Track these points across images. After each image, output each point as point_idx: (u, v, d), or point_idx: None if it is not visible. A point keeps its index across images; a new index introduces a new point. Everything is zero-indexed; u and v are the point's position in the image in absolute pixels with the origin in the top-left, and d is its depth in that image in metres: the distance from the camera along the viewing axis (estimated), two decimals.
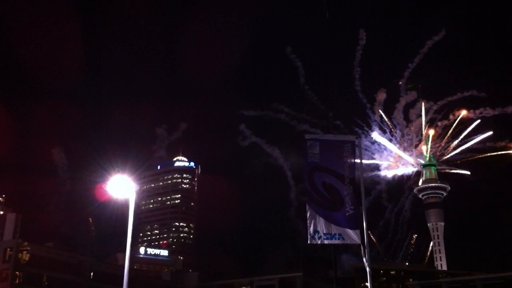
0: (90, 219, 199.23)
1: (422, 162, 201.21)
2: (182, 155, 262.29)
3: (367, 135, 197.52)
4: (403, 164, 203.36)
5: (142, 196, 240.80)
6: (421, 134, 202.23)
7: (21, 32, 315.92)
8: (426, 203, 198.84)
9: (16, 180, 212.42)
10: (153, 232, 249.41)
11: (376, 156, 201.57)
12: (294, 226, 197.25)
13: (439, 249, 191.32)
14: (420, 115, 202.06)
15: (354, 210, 19.77)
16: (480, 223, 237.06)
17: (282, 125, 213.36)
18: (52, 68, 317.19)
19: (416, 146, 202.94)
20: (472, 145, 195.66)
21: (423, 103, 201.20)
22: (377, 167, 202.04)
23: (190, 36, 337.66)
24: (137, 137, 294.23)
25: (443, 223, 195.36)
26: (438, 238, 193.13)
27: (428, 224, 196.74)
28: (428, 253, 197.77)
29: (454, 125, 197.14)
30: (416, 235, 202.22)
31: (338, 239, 19.61)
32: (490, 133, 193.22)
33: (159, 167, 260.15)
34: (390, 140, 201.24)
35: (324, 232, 19.65)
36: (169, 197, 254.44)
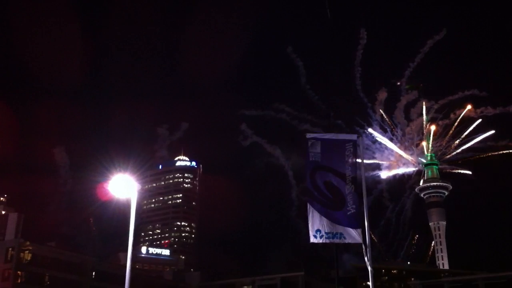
0: (91, 219, 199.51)
1: (424, 161, 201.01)
2: (184, 155, 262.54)
3: (368, 134, 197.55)
4: (404, 164, 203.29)
5: (144, 196, 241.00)
6: (422, 134, 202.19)
7: (22, 32, 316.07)
8: (427, 202, 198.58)
9: (17, 179, 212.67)
10: (155, 232, 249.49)
11: (377, 155, 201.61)
12: (295, 226, 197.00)
13: (441, 248, 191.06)
14: (421, 114, 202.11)
15: (355, 209, 19.73)
16: (482, 222, 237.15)
17: (283, 125, 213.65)
18: (53, 68, 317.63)
19: (417, 145, 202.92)
20: (473, 144, 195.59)
21: (424, 103, 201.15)
22: (378, 167, 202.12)
23: (191, 36, 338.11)
24: (139, 136, 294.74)
25: (444, 222, 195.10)
26: (439, 237, 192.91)
27: (430, 223, 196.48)
28: (430, 253, 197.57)
29: (456, 122, 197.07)
30: (417, 236, 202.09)
31: (340, 238, 19.57)
32: (492, 132, 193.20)
33: (160, 166, 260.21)
34: (391, 140, 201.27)
35: (326, 231, 19.63)
36: (170, 197, 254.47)
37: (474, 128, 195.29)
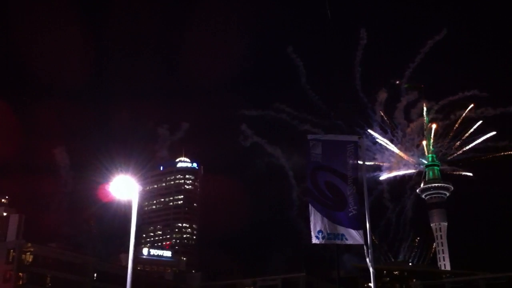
0: (92, 220, 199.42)
1: (425, 162, 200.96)
2: (185, 156, 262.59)
3: (369, 135, 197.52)
4: (404, 165, 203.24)
5: (145, 197, 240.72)
6: (423, 134, 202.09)
7: (23, 32, 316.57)
8: (429, 203, 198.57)
9: (18, 180, 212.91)
10: (156, 233, 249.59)
11: (377, 156, 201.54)
12: (296, 226, 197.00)
13: (442, 249, 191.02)
14: (421, 115, 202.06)
15: (357, 210, 19.72)
16: (483, 223, 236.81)
17: (284, 125, 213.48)
18: (54, 68, 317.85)
19: (418, 146, 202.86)
20: (474, 145, 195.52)
21: (424, 104, 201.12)
22: (379, 168, 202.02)
23: (192, 36, 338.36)
24: (140, 137, 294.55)
25: (446, 223, 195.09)
26: (441, 238, 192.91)
27: (431, 224, 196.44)
28: (431, 253, 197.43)
29: (457, 123, 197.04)
30: (418, 238, 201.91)
31: (342, 239, 19.56)
32: (494, 133, 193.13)
33: (162, 167, 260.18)
34: (392, 140, 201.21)
35: (328, 232, 19.62)
36: (172, 198, 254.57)
37: (474, 129, 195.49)
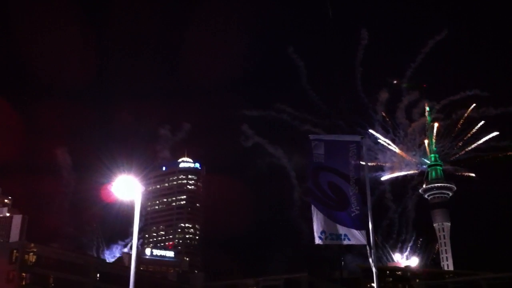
0: (94, 220, 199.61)
1: (428, 162, 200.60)
2: (187, 156, 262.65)
3: (370, 135, 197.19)
4: (406, 165, 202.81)
5: (148, 197, 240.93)
6: (424, 134, 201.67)
7: (25, 33, 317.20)
8: (431, 203, 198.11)
9: (21, 181, 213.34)
10: (159, 233, 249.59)
11: (379, 156, 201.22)
12: (298, 226, 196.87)
13: (445, 249, 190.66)
14: (423, 115, 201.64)
15: (359, 211, 19.67)
16: (486, 223, 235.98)
17: (285, 125, 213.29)
18: (56, 69, 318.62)
19: (420, 145, 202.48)
20: (476, 145, 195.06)
21: (426, 104, 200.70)
22: (381, 168, 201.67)
23: (193, 37, 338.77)
24: (141, 137, 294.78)
25: (449, 223, 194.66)
26: (444, 238, 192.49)
27: (434, 224, 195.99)
28: (434, 254, 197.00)
29: (459, 123, 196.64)
30: (421, 239, 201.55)
31: (344, 239, 19.51)
32: (496, 133, 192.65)
33: (164, 168, 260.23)
34: (393, 140, 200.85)
35: (331, 232, 19.57)
36: (174, 198, 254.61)
37: (476, 129, 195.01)
